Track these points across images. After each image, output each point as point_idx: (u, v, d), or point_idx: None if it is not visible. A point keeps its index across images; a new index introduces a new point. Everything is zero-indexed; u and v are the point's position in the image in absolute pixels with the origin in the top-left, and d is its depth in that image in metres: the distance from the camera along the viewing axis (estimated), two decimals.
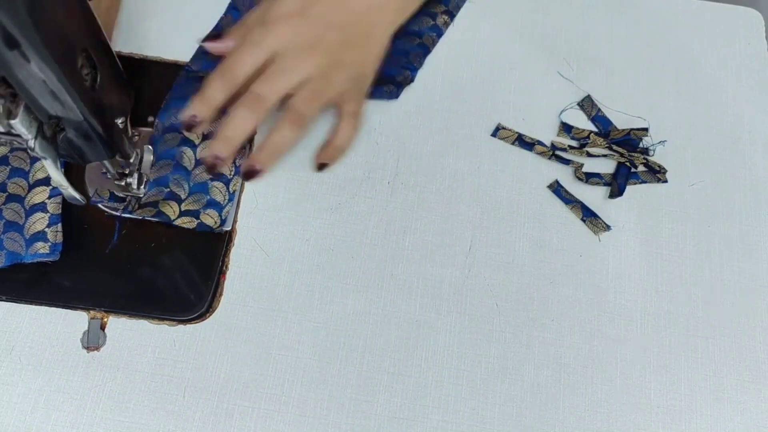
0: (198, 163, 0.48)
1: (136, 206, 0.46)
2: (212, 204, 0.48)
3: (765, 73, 0.56)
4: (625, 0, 0.59)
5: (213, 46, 0.48)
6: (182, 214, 0.47)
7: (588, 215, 0.50)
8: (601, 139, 0.52)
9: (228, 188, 0.48)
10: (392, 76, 0.52)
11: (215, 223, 0.47)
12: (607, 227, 0.49)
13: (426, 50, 0.54)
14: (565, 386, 0.45)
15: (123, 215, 0.46)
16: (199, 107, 0.44)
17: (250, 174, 0.45)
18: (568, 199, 0.50)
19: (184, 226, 0.47)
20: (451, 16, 0.56)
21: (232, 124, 0.43)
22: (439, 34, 0.55)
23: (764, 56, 0.57)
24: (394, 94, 0.52)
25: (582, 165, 0.51)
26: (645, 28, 0.58)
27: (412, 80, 0.53)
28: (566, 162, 0.51)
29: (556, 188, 0.50)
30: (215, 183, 0.48)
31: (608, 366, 0.46)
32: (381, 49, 0.49)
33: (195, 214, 0.47)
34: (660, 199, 0.51)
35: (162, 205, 0.47)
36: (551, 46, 0.56)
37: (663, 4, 0.59)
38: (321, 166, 0.49)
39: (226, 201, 0.48)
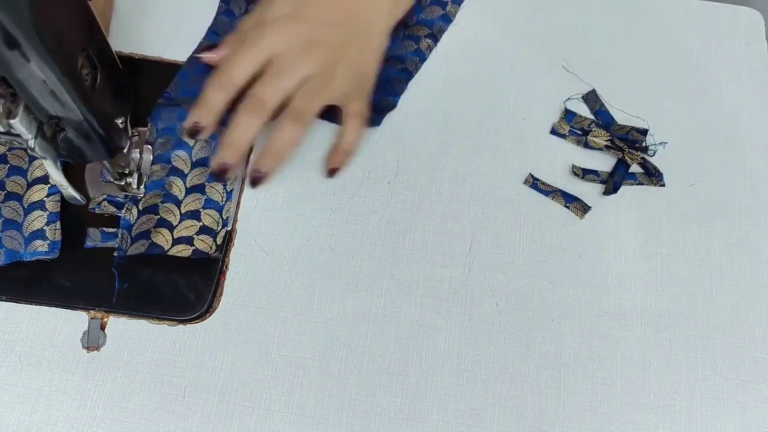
0: (189, 191, 0.48)
1: (129, 244, 0.46)
2: (205, 230, 0.47)
3: (765, 73, 0.56)
4: (625, 0, 0.59)
5: (209, 57, 0.48)
6: (176, 241, 0.46)
7: (570, 201, 0.50)
8: (603, 131, 0.52)
9: (221, 215, 0.47)
10: (375, 103, 0.51)
11: (210, 248, 0.47)
12: (588, 207, 0.49)
13: (409, 75, 0.53)
14: (565, 386, 0.45)
15: (118, 260, 0.45)
16: (201, 113, 0.44)
17: (256, 180, 0.45)
18: (546, 191, 0.50)
19: (180, 255, 0.46)
20: (435, 39, 0.55)
21: (235, 130, 0.43)
22: (423, 59, 0.54)
23: (764, 56, 0.57)
24: (376, 122, 0.51)
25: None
26: (645, 28, 0.58)
27: (394, 106, 0.52)
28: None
29: (533, 183, 0.51)
30: (207, 211, 0.47)
31: (608, 366, 0.46)
32: (379, 45, 0.49)
33: (188, 240, 0.47)
34: (660, 199, 0.51)
35: (154, 235, 0.46)
36: (551, 46, 0.56)
37: (663, 4, 0.59)
38: (332, 172, 0.49)
39: (220, 227, 0.47)
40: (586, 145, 0.52)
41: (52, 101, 0.34)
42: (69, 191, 0.41)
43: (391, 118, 0.52)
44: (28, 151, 0.37)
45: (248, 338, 0.45)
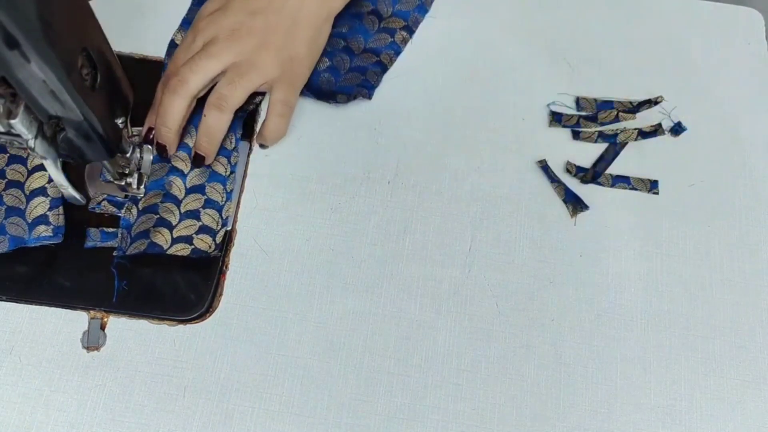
0: (189, 191, 0.48)
1: (128, 243, 0.45)
2: (205, 230, 0.47)
3: (765, 73, 0.56)
4: (625, 0, 0.59)
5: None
6: (175, 240, 0.46)
7: (570, 198, 0.50)
8: (591, 123, 0.52)
9: (221, 215, 0.47)
10: (348, 93, 0.52)
11: (209, 246, 0.46)
12: (582, 209, 0.49)
13: (384, 68, 0.54)
14: (565, 386, 0.45)
15: (117, 260, 0.45)
16: (151, 117, 0.47)
17: (197, 160, 0.48)
18: (553, 178, 0.50)
19: (178, 254, 0.46)
20: (410, 32, 0.55)
21: (161, 110, 0.46)
22: (397, 52, 0.54)
23: (764, 56, 0.57)
24: (350, 99, 0.51)
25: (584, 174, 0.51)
26: (645, 28, 0.58)
27: (369, 98, 0.52)
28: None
29: (545, 165, 0.51)
30: (207, 210, 0.47)
31: (608, 366, 0.46)
32: (311, 33, 0.49)
33: (188, 239, 0.46)
34: (660, 199, 0.51)
35: (153, 234, 0.46)
36: (551, 46, 0.56)
37: (663, 4, 0.59)
38: (261, 146, 0.51)
39: (219, 227, 0.47)
40: (577, 136, 0.52)
41: (52, 101, 0.34)
42: (69, 191, 0.41)
43: (391, 118, 0.52)
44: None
45: (248, 338, 0.45)
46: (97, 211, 0.47)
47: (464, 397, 0.44)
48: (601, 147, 0.52)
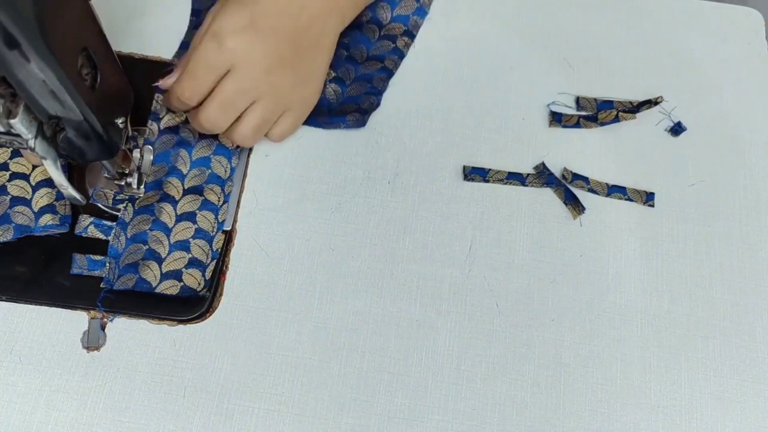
0: (179, 219, 0.46)
1: (116, 276, 0.44)
2: (194, 263, 0.46)
3: (765, 73, 0.56)
4: (625, 0, 0.59)
5: (166, 84, 0.47)
6: (164, 276, 0.45)
7: (570, 199, 0.50)
8: (591, 123, 0.52)
9: (211, 247, 0.46)
10: (357, 103, 0.51)
11: (198, 284, 0.45)
12: (582, 209, 0.49)
13: (389, 73, 0.53)
14: (565, 386, 0.45)
15: (104, 294, 0.44)
16: (172, 80, 0.46)
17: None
18: (552, 180, 0.50)
19: (167, 292, 0.45)
20: (411, 36, 0.55)
21: (179, 94, 0.44)
22: (401, 56, 0.54)
23: (764, 56, 0.57)
24: (360, 122, 0.51)
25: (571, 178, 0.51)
26: (645, 28, 0.58)
27: (377, 105, 0.52)
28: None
29: (542, 169, 0.51)
30: (197, 241, 0.46)
31: (608, 366, 0.46)
32: (329, 57, 0.49)
33: (177, 275, 0.45)
34: (660, 199, 0.51)
35: (142, 268, 0.45)
36: (551, 46, 0.56)
37: (663, 4, 0.59)
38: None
39: (209, 260, 0.46)
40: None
41: (52, 101, 0.34)
42: (69, 191, 0.41)
43: (391, 118, 0.52)
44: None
45: (248, 338, 0.45)
46: (84, 236, 0.46)
47: (464, 397, 0.44)
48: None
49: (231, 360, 0.44)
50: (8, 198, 0.46)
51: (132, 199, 0.47)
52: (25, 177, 0.47)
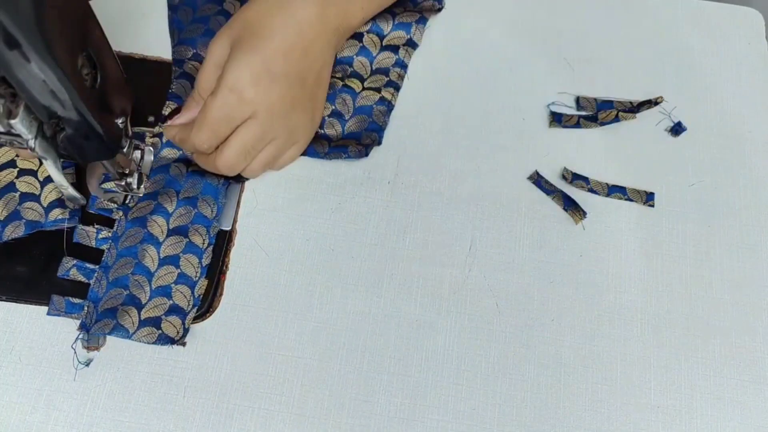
0: (162, 262, 0.45)
1: (93, 320, 0.43)
2: (175, 310, 0.45)
3: (765, 73, 0.56)
4: (625, 0, 0.59)
5: (177, 123, 0.47)
6: (142, 323, 0.44)
7: (568, 205, 0.50)
8: (591, 123, 0.52)
9: (193, 293, 0.45)
10: (357, 139, 0.51)
11: (177, 333, 0.44)
12: (584, 213, 0.49)
13: (389, 106, 0.52)
14: (565, 386, 0.45)
15: (78, 338, 0.43)
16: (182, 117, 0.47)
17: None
18: (549, 190, 0.50)
19: (143, 340, 0.43)
20: (414, 45, 0.54)
21: (194, 140, 0.45)
22: (397, 88, 0.53)
23: (764, 56, 0.57)
24: (362, 153, 0.50)
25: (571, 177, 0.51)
26: (645, 28, 0.58)
27: (379, 143, 0.51)
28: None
29: (537, 180, 0.51)
30: (179, 286, 0.45)
31: (608, 366, 0.46)
32: (327, 86, 0.50)
33: (156, 322, 0.44)
34: (660, 199, 0.51)
35: (120, 315, 0.44)
36: (551, 46, 0.56)
37: (663, 4, 0.59)
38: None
39: (190, 307, 0.45)
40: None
41: (52, 101, 0.34)
42: (69, 191, 0.41)
43: (391, 118, 0.52)
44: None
45: (248, 338, 0.45)
46: (66, 279, 0.45)
47: (464, 397, 0.44)
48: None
49: (231, 360, 0.44)
50: (18, 194, 0.46)
51: (125, 210, 0.46)
52: (33, 173, 0.47)
